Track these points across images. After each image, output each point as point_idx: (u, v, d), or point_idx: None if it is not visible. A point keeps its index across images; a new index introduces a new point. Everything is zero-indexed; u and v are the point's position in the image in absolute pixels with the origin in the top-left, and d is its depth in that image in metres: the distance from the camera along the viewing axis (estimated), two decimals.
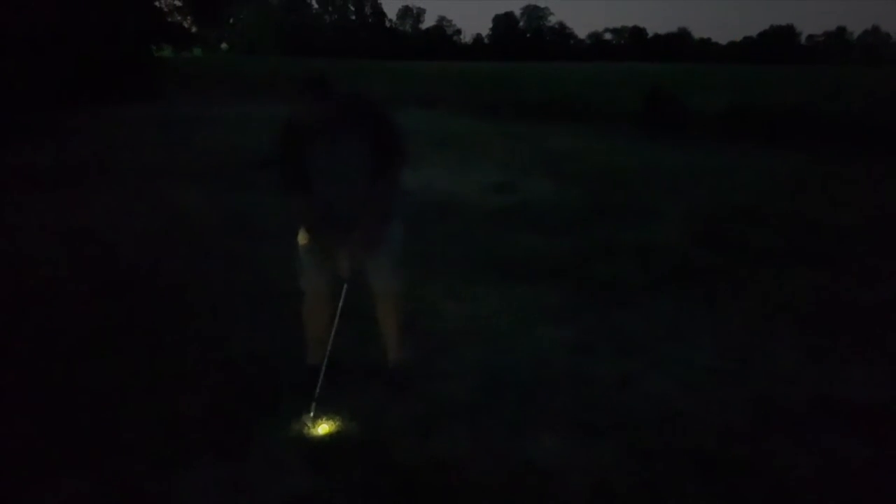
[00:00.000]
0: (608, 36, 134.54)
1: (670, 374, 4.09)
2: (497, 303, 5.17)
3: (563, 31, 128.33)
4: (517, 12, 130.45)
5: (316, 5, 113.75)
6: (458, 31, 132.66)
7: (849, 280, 5.87)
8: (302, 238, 3.69)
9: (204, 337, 4.43)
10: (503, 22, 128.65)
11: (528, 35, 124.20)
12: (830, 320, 5.01)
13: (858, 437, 3.51)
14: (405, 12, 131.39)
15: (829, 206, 8.64)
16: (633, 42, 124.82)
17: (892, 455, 3.37)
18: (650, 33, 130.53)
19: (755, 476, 3.18)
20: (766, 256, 6.54)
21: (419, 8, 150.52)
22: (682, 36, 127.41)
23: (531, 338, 4.59)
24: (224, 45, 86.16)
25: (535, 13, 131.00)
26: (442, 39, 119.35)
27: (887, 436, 3.52)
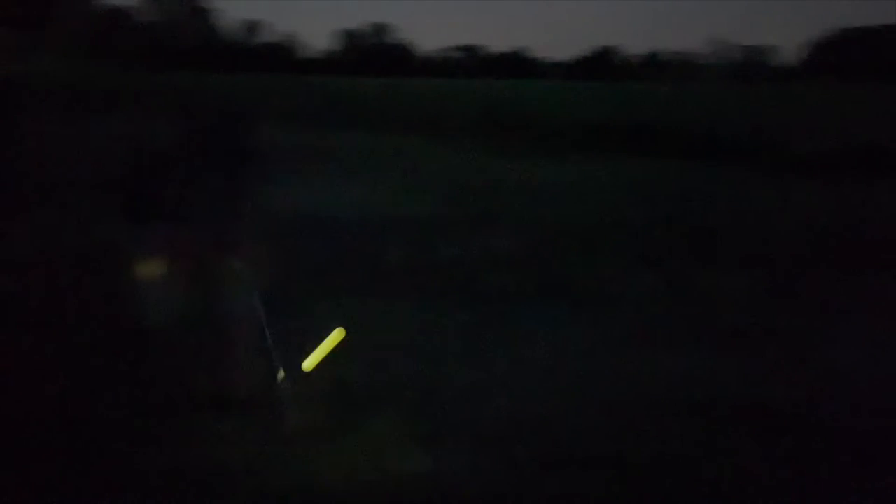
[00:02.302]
0: (452, 53, 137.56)
1: (547, 381, 4.33)
2: (365, 317, 5.09)
3: (407, 48, 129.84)
4: (362, 27, 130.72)
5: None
6: (303, 45, 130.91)
7: (724, 282, 6.41)
8: (152, 266, 3.60)
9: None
10: (348, 37, 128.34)
11: (373, 50, 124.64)
12: (703, 321, 5.42)
13: (738, 435, 3.84)
14: (246, 25, 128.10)
15: (690, 213, 9.43)
16: (473, 59, 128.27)
17: (785, 453, 3.71)
18: (490, 50, 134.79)
19: (643, 476, 3.42)
20: (636, 264, 6.98)
21: (259, 21, 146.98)
22: (520, 54, 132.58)
23: (404, 350, 4.67)
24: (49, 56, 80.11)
25: (379, 29, 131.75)
26: (286, 53, 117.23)
27: (775, 435, 3.87)
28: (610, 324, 5.32)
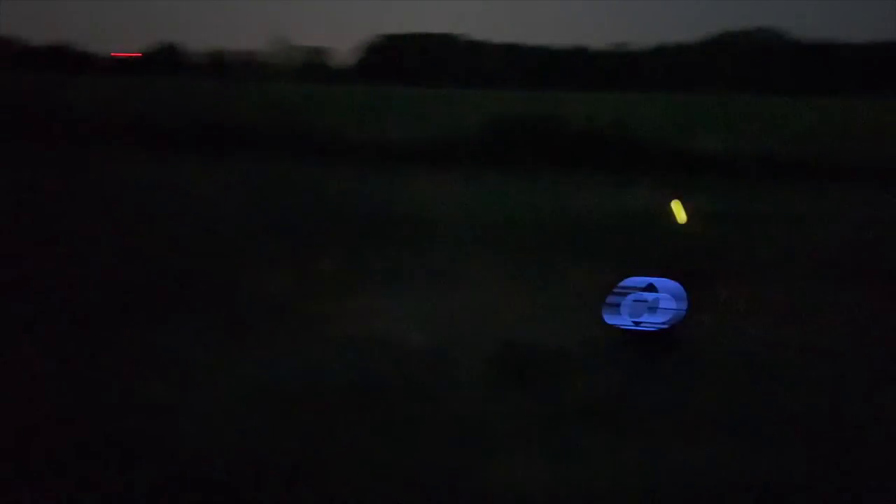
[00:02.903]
0: None
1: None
2: None
3: None
4: None
5: None
6: None
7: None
8: None
9: None
10: None
11: None
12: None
13: None
14: None
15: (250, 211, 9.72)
16: (9, 51, 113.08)
17: None
18: (32, 44, 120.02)
19: None
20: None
21: None
22: (69, 48, 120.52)
23: None
24: None
25: None
26: None
27: None
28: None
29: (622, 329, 6.74)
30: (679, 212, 5.86)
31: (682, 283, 6.83)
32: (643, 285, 6.89)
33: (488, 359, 6.00)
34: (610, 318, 6.72)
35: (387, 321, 6.49)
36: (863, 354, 6.90)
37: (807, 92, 38.02)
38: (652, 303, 6.78)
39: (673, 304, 6.74)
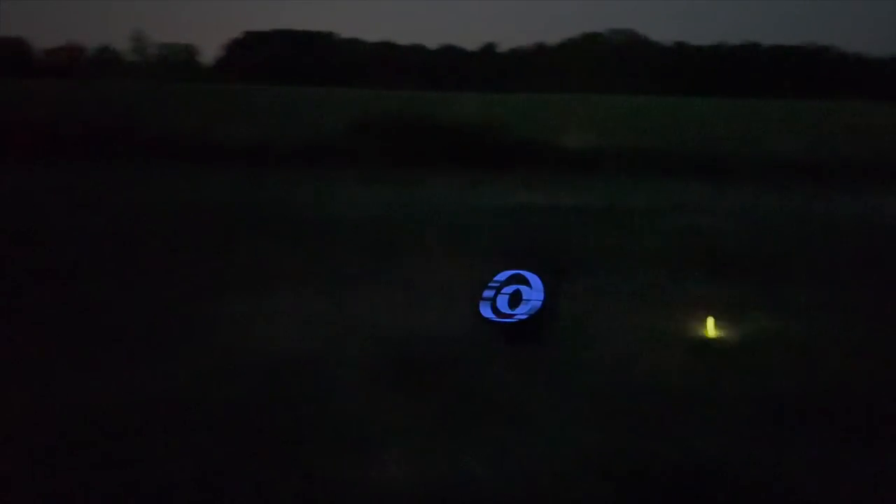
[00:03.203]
0: None
1: None
2: None
3: None
4: None
5: None
6: None
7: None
8: None
9: None
10: None
11: None
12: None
13: None
14: None
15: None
16: None
17: None
18: None
19: None
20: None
21: None
22: None
23: None
24: None
25: None
26: None
27: None
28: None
29: (494, 321, 6.84)
30: (711, 328, 6.35)
31: (544, 276, 6.96)
32: (509, 278, 6.99)
33: (368, 358, 5.89)
34: (484, 312, 6.83)
35: (261, 325, 6.27)
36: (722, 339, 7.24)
37: (668, 91, 40.22)
38: (517, 295, 6.88)
39: (534, 296, 6.88)
